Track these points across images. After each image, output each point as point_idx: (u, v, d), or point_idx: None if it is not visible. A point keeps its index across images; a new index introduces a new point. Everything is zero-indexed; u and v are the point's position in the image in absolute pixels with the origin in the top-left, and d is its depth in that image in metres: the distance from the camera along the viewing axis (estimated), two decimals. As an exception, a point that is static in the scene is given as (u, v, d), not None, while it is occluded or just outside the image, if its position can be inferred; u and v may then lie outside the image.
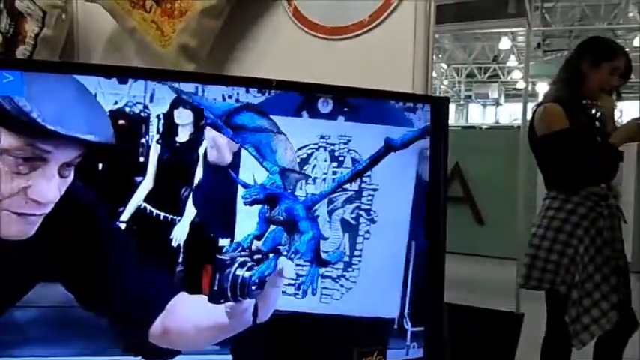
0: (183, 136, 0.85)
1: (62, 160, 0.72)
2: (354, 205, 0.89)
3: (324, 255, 0.85)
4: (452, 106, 11.01)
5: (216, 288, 0.77)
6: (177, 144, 0.85)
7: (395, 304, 0.93)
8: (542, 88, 8.08)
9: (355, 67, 1.21)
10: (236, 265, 0.78)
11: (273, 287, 0.80)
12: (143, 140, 0.83)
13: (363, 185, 0.90)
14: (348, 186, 0.89)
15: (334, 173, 0.88)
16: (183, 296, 0.81)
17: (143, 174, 0.84)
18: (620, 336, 1.77)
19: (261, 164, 0.83)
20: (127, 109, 0.81)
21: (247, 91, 0.86)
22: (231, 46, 1.35)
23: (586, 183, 1.72)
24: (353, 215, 0.89)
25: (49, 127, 0.68)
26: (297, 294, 0.86)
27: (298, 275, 0.84)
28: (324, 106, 0.89)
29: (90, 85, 0.76)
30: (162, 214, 0.86)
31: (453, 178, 5.34)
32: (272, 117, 0.84)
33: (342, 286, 0.90)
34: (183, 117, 0.84)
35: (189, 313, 0.80)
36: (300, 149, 0.87)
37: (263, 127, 0.83)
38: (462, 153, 5.09)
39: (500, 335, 2.18)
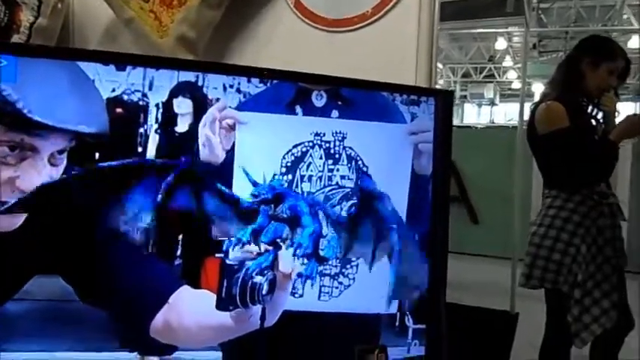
0: (182, 126, 0.83)
1: (52, 149, 0.69)
2: (351, 202, 0.88)
3: (321, 252, 0.83)
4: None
5: (224, 295, 0.75)
6: (177, 134, 0.83)
7: (393, 301, 0.91)
8: (538, 88, 8.11)
9: (357, 59, 1.19)
10: (244, 269, 0.76)
11: (282, 291, 0.78)
12: (141, 130, 0.81)
13: (359, 182, 0.88)
14: (344, 183, 0.87)
15: (330, 171, 0.86)
16: (186, 290, 0.79)
17: (141, 164, 0.81)
18: (616, 336, 1.76)
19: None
20: (125, 97, 0.78)
21: (249, 81, 0.84)
22: (231, 37, 1.33)
23: (587, 181, 1.72)
24: (350, 212, 0.88)
25: (35, 117, 0.65)
26: (296, 293, 0.84)
27: (298, 275, 0.81)
28: (318, 99, 0.88)
29: (88, 72, 0.74)
30: (160, 206, 0.83)
31: (448, 177, 5.32)
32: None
33: (340, 283, 0.88)
34: (183, 106, 0.82)
35: (192, 309, 0.78)
36: (295, 147, 0.85)
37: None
38: (457, 152, 5.06)
39: (495, 335, 2.16)
